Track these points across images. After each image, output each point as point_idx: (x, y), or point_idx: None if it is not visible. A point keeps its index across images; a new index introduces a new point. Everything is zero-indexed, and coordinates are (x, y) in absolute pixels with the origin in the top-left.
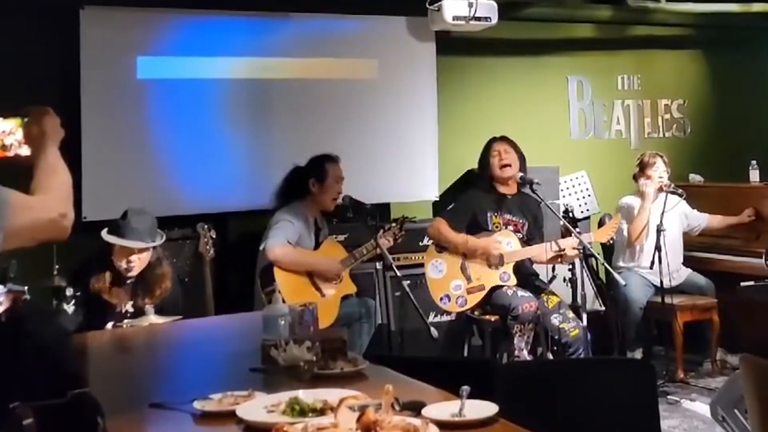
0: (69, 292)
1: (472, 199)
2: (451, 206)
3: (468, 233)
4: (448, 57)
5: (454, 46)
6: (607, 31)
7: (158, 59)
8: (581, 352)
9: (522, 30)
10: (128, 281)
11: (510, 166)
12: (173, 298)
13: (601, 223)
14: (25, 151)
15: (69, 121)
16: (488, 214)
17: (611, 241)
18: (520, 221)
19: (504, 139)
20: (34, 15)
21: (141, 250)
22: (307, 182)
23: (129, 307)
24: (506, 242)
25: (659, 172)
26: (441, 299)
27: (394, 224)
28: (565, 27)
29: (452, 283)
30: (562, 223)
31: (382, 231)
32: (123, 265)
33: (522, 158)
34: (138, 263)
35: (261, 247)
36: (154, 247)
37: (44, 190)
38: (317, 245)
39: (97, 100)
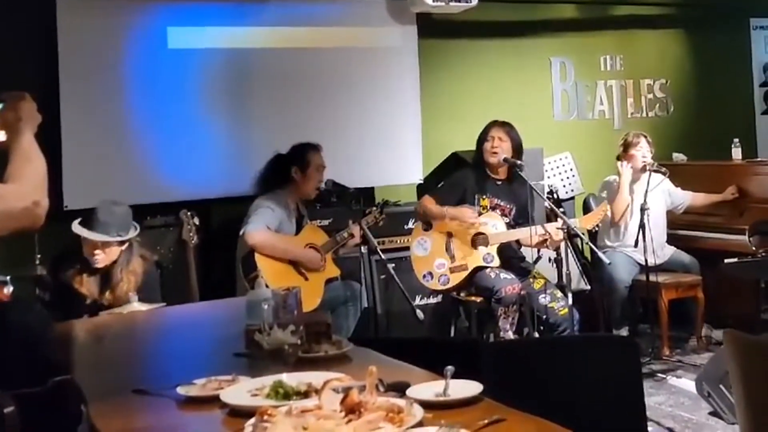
0: (46, 281)
1: (463, 179)
2: (441, 184)
3: None
4: (429, 40)
5: (436, 28)
6: (589, 12)
7: (139, 47)
8: (568, 332)
9: (503, 11)
10: (98, 273)
11: (497, 153)
12: (150, 291)
13: (585, 204)
14: (0, 137)
15: (48, 109)
16: (476, 196)
17: (596, 227)
18: (508, 206)
19: (503, 125)
20: (11, 1)
21: (105, 244)
22: (290, 170)
23: (103, 300)
24: (492, 224)
25: (643, 151)
26: (424, 276)
27: (375, 208)
28: (547, 8)
29: (436, 261)
30: (547, 205)
31: (361, 216)
32: (89, 257)
33: (517, 147)
34: (103, 256)
35: (241, 232)
36: (122, 242)
37: (18, 178)
38: (298, 232)
39: (76, 87)
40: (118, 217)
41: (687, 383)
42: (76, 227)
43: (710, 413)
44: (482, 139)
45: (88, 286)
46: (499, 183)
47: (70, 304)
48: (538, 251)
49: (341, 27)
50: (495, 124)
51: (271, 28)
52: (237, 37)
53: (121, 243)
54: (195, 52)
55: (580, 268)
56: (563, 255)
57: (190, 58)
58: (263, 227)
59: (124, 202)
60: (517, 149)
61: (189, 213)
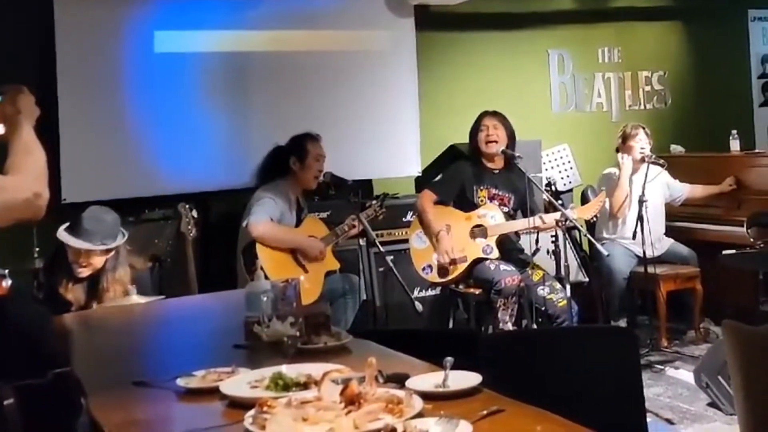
0: (42, 279)
1: (460, 171)
2: (438, 178)
3: (455, 206)
4: (427, 32)
5: (434, 20)
6: (587, 4)
7: (136, 38)
8: (567, 323)
9: (501, 3)
10: (85, 281)
11: (496, 142)
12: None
13: (583, 196)
14: None
15: (46, 103)
16: (474, 188)
17: (594, 218)
18: (506, 196)
19: (495, 114)
20: None
21: (87, 253)
22: (288, 161)
23: (88, 308)
24: (490, 215)
25: (641, 143)
26: (423, 269)
27: (375, 201)
28: (545, 0)
29: (435, 254)
30: (545, 197)
31: (360, 209)
32: (73, 264)
33: (511, 135)
34: (86, 266)
35: (243, 224)
36: (108, 250)
37: (18, 170)
38: (299, 223)
39: (74, 81)
40: (103, 225)
41: (685, 374)
42: (61, 234)
43: (708, 404)
44: (476, 129)
45: (74, 293)
46: (497, 172)
47: (58, 309)
48: (537, 242)
49: (339, 20)
50: (486, 114)
51: (268, 25)
52: (237, 32)
53: (107, 251)
54: (194, 45)
55: (578, 260)
56: (561, 247)
57: (190, 54)
58: (266, 218)
59: (111, 210)
60: (511, 137)
61: (187, 206)
